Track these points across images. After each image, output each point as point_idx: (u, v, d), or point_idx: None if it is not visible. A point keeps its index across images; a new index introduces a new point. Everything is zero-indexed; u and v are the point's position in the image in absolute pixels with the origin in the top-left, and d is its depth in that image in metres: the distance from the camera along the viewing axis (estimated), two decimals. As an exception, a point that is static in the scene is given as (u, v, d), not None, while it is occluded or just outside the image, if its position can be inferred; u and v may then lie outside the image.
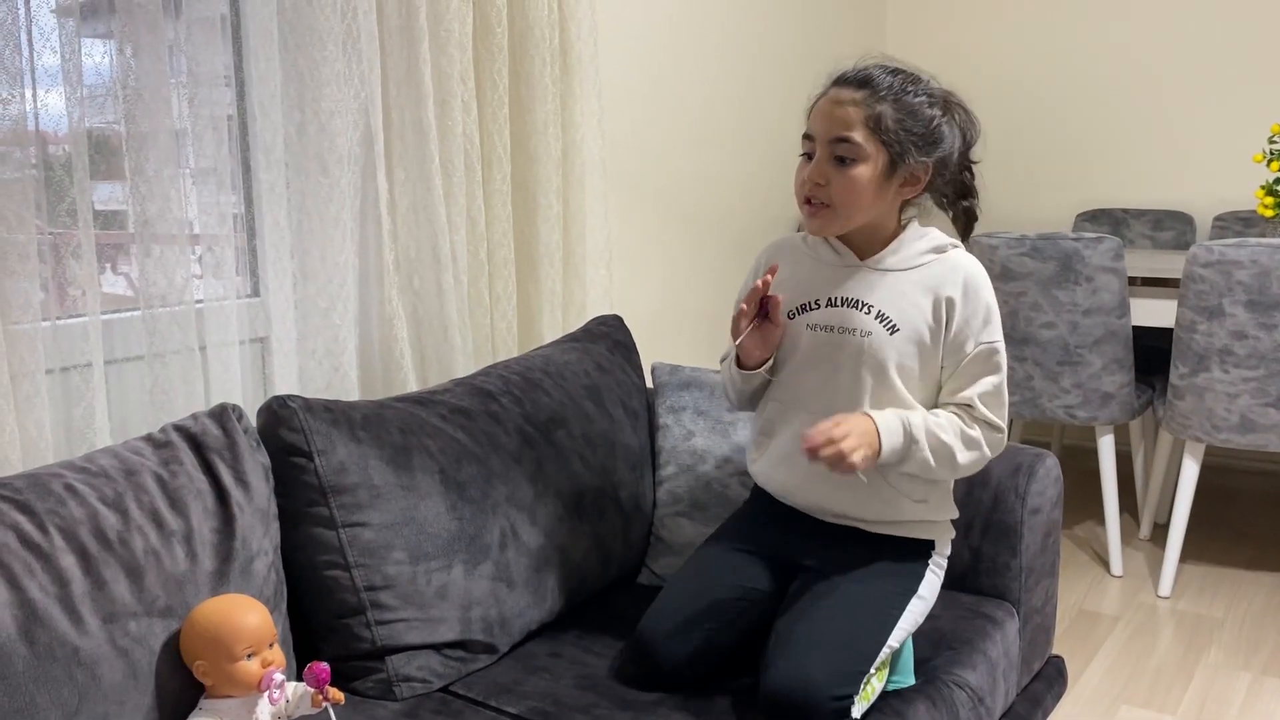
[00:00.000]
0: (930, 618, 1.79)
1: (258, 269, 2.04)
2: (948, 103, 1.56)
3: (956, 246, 1.62)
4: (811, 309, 1.60)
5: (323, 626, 1.57)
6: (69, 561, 1.24)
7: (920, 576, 1.59)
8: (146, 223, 1.79)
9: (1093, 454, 4.26)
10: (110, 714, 1.22)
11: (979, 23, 4.20)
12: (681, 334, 3.31)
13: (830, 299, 1.59)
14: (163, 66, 1.78)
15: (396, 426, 1.67)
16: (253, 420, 1.60)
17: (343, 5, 2.01)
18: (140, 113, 1.76)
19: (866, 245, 1.60)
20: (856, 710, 1.43)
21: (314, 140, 2.01)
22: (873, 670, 1.47)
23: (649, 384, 2.93)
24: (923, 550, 1.61)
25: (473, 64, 2.23)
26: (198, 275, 1.90)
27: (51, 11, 1.66)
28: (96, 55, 1.76)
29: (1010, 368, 3.03)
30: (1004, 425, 1.58)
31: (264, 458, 1.54)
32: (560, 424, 1.89)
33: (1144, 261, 3.30)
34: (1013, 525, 1.90)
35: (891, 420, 1.49)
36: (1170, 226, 3.85)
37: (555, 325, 2.48)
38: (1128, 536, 3.40)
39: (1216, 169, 3.84)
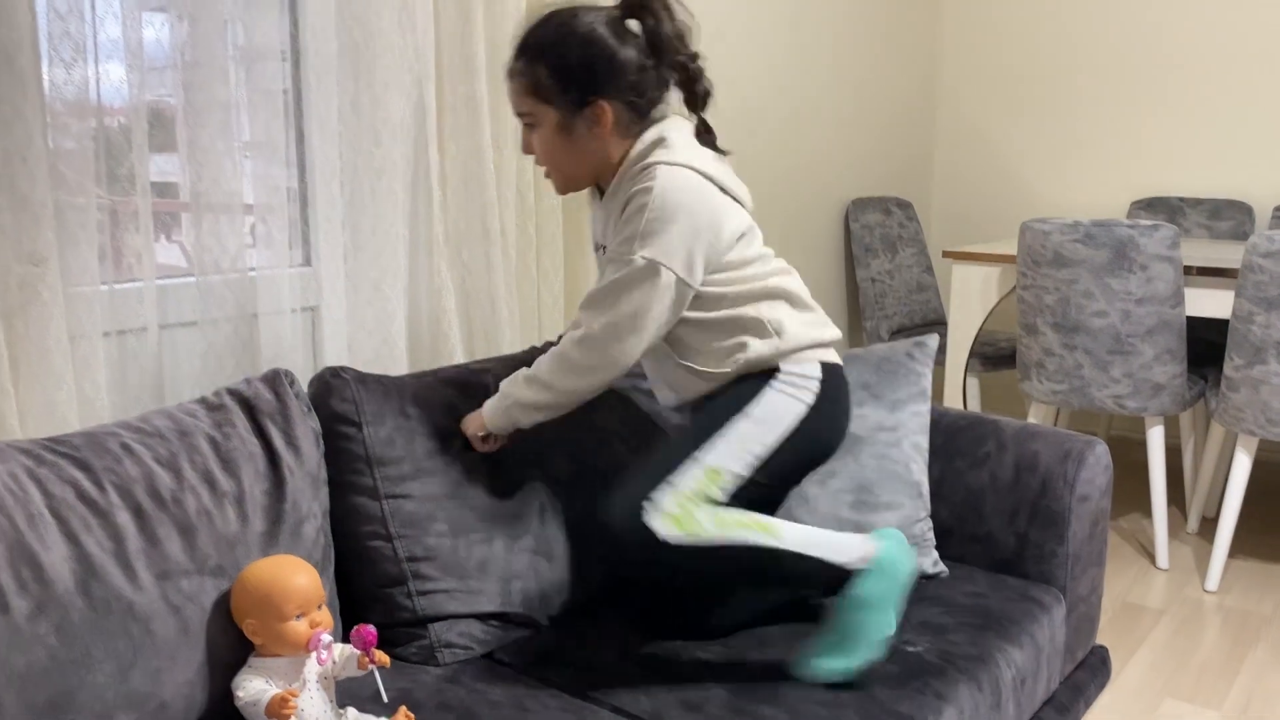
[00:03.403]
0: (976, 596, 1.78)
1: (310, 239, 2.06)
2: (614, 21, 1.52)
3: (661, 162, 1.50)
4: (597, 251, 1.69)
5: (366, 594, 1.59)
6: (124, 519, 1.27)
7: (752, 396, 1.52)
8: (201, 192, 1.81)
9: (1140, 445, 4.20)
10: (163, 669, 1.25)
11: (1034, 10, 4.13)
12: (726, 315, 3.30)
13: (595, 244, 1.69)
14: (220, 39, 1.80)
15: (442, 403, 1.68)
16: (304, 387, 1.62)
17: (397, -21, 2.02)
18: (197, 84, 1.78)
19: (605, 183, 1.61)
20: (660, 524, 1.40)
21: (368, 113, 2.02)
22: (687, 487, 1.43)
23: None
24: (763, 376, 1.55)
25: (525, 38, 2.23)
26: (250, 244, 1.92)
27: (114, -21, 1.68)
28: (155, 27, 1.77)
29: (1059, 355, 2.99)
30: (596, 326, 1.50)
31: (315, 423, 1.55)
32: (600, 404, 1.89)
33: (1200, 251, 3.24)
34: (1060, 512, 1.88)
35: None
36: (1228, 216, 3.78)
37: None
38: (1174, 529, 3.35)
39: (1277, 158, 3.76)
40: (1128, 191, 4.04)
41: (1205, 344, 3.40)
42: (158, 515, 1.30)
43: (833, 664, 1.47)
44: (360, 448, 1.58)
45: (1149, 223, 2.79)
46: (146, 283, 1.76)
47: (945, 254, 3.38)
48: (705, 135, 1.62)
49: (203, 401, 1.50)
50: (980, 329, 3.38)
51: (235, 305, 1.88)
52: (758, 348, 1.55)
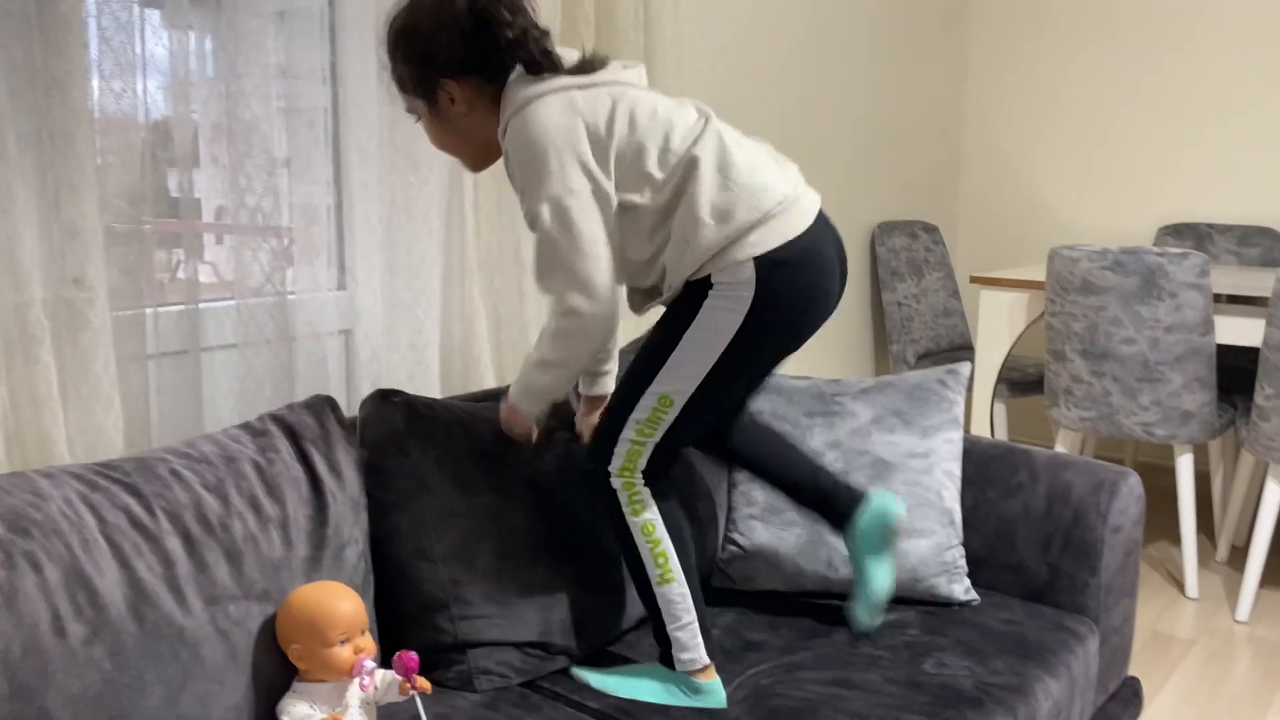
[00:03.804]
0: (1011, 623, 1.79)
1: (346, 262, 2.09)
2: (434, 5, 1.50)
3: (511, 117, 1.48)
4: None
5: (406, 617, 1.60)
6: (174, 544, 1.29)
7: (689, 316, 1.49)
8: (242, 217, 1.84)
9: (1166, 472, 4.18)
10: (211, 693, 1.27)
11: (1062, 35, 4.14)
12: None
13: None
14: (262, 63, 1.83)
15: (488, 427, 1.69)
16: (348, 412, 1.64)
17: (437, 7, 2.05)
18: (239, 109, 1.81)
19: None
20: (615, 473, 1.55)
21: (405, 137, 2.05)
22: (639, 418, 1.52)
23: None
24: (699, 292, 1.49)
25: (560, 66, 2.26)
26: (290, 267, 1.95)
27: (158, 6, 1.72)
28: (199, 52, 1.81)
29: (1087, 382, 2.99)
30: (558, 289, 1.48)
31: (356, 448, 1.57)
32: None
33: (1229, 278, 3.24)
34: (1093, 542, 1.88)
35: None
36: (1257, 242, 3.77)
37: (628, 330, 2.50)
38: (1204, 558, 3.33)
39: (1306, 185, 3.75)
40: (1155, 217, 4.03)
41: (1235, 371, 3.39)
42: (206, 540, 1.32)
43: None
44: (409, 470, 1.59)
45: (1178, 250, 2.79)
46: (189, 306, 1.79)
47: (973, 279, 3.38)
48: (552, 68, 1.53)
49: (247, 427, 1.52)
50: (1007, 355, 3.38)
51: (274, 328, 1.91)
52: (673, 262, 1.50)
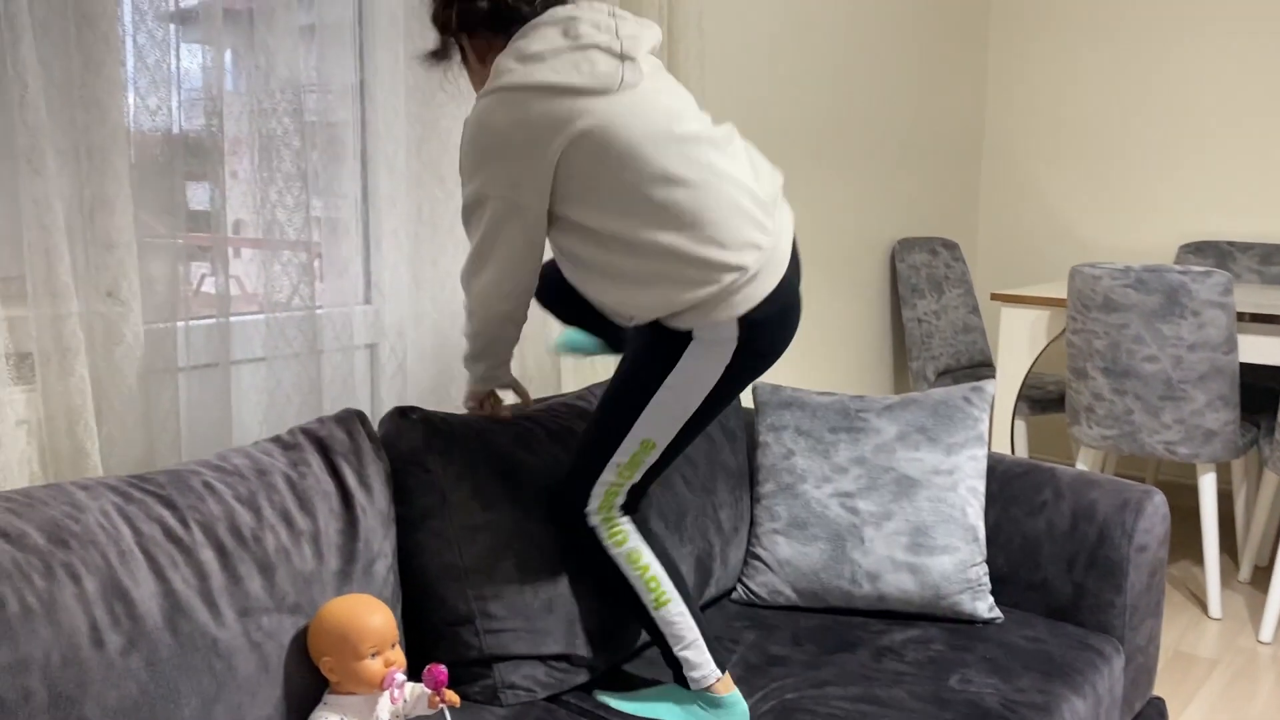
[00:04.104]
0: (1036, 641, 1.78)
1: (372, 276, 2.10)
2: None
3: (480, 96, 1.46)
4: None
5: (432, 632, 1.61)
6: (208, 556, 1.30)
7: (672, 363, 1.48)
8: (273, 230, 1.86)
9: (1188, 491, 4.16)
10: (244, 704, 1.28)
11: (1082, 52, 4.14)
12: (773, 354, 3.32)
13: None
14: (294, 76, 1.85)
15: (508, 441, 1.70)
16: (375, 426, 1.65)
17: (466, 25, 2.07)
18: (272, 121, 1.83)
19: None
20: (594, 512, 1.56)
21: (432, 152, 2.06)
22: (625, 458, 1.54)
23: (749, 403, 2.94)
24: (680, 339, 1.48)
25: (586, 84, 2.28)
26: (318, 281, 1.97)
27: (192, 24, 1.74)
28: (231, 65, 1.83)
29: (1109, 400, 2.98)
30: (465, 261, 1.53)
31: (385, 462, 1.59)
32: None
33: (1252, 297, 3.23)
34: (1118, 562, 1.88)
35: None
36: (1279, 261, 3.75)
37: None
38: (1226, 578, 3.31)
39: (1329, 203, 3.74)
40: (1176, 235, 4.02)
41: (1258, 391, 3.37)
42: (239, 553, 1.33)
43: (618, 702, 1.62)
44: (431, 485, 1.60)
45: (1201, 269, 2.79)
46: (219, 319, 1.81)
47: (994, 296, 3.38)
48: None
49: (278, 440, 1.54)
50: (1028, 372, 3.38)
51: (303, 342, 1.92)
52: (646, 306, 1.47)
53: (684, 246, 1.41)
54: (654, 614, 1.57)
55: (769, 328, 1.47)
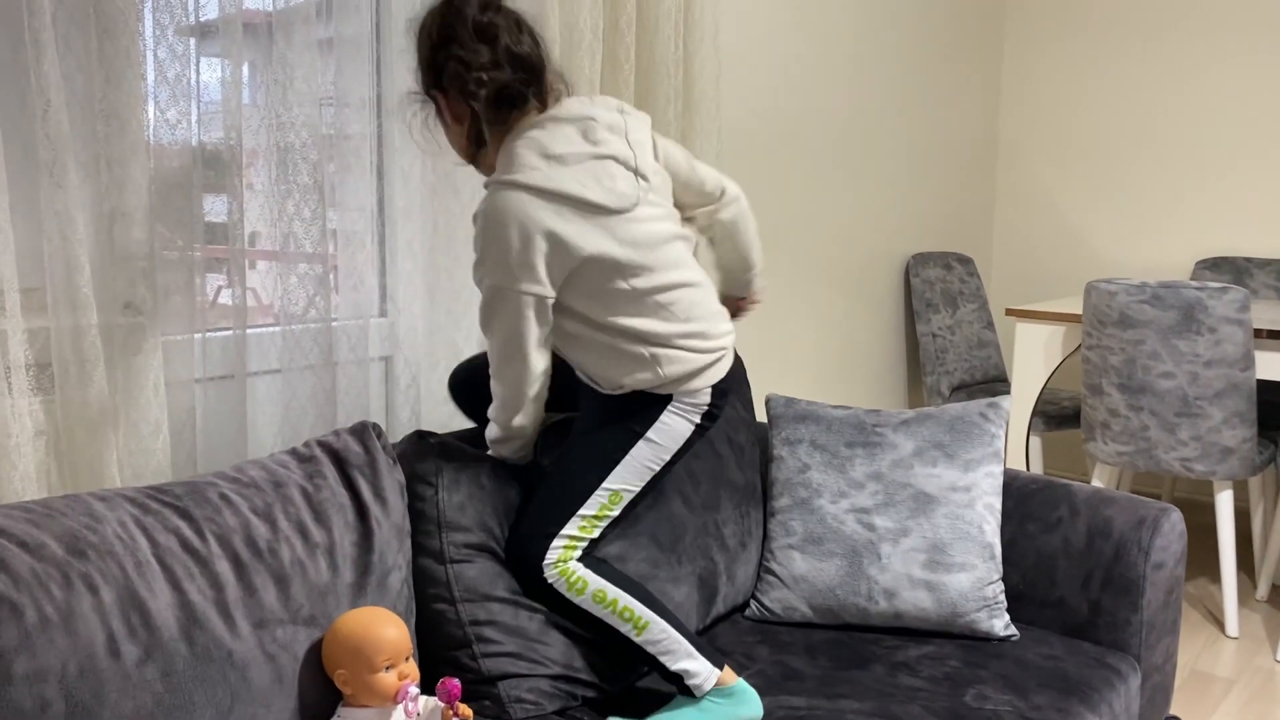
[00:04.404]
0: (1052, 659, 1.77)
1: (388, 289, 2.11)
2: (446, 24, 1.54)
3: (493, 182, 1.53)
4: None
5: (433, 656, 1.60)
6: (224, 567, 1.30)
7: (650, 420, 1.60)
8: (289, 242, 1.87)
9: (1204, 508, 4.13)
10: (258, 716, 1.28)
11: (1096, 67, 4.14)
12: (787, 366, 3.32)
13: None
14: (312, 90, 1.86)
15: (519, 478, 1.70)
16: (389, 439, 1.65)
17: (482, 40, 2.08)
18: (290, 134, 1.85)
19: None
20: (550, 569, 1.57)
21: (447, 165, 2.07)
22: (591, 510, 1.60)
23: (763, 416, 2.93)
24: (659, 402, 1.61)
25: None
26: (333, 293, 1.97)
27: (210, 37, 1.75)
28: (249, 78, 1.84)
29: (1125, 416, 2.97)
30: (492, 358, 1.59)
31: (400, 475, 1.59)
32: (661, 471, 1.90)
33: (1269, 313, 3.21)
34: (1135, 579, 1.86)
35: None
36: (1296, 277, 3.74)
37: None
38: (1244, 596, 3.29)
39: (1347, 220, 3.72)
40: (1192, 251, 4.01)
41: (1275, 407, 3.35)
42: (255, 565, 1.33)
43: None
44: (433, 510, 1.60)
45: (1218, 285, 2.78)
46: (235, 331, 1.82)
47: (1008, 312, 3.37)
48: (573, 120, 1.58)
49: (294, 452, 1.54)
50: (1043, 387, 3.36)
51: (318, 354, 1.93)
52: (644, 379, 1.59)
53: (675, 333, 1.58)
54: (638, 641, 1.58)
55: (734, 387, 1.75)
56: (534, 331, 1.55)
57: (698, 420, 1.64)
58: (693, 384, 1.60)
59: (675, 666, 1.57)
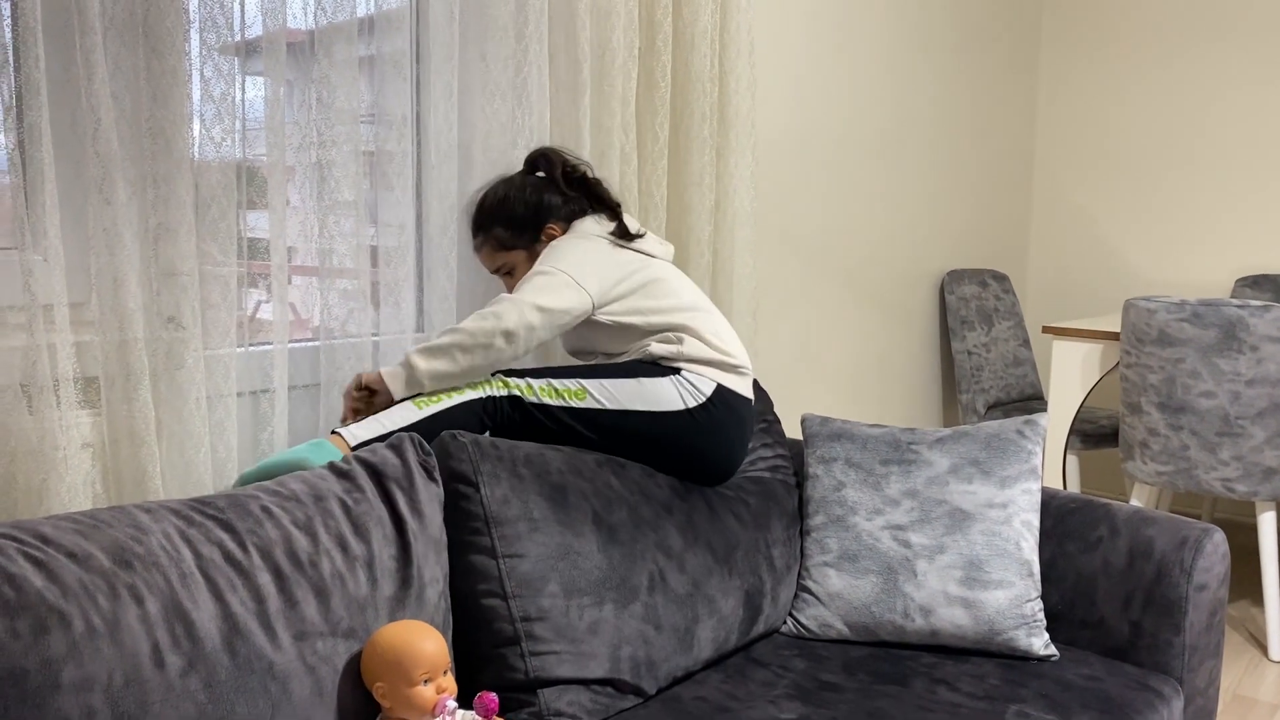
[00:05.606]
0: (1093, 680, 1.75)
1: (424, 304, 2.13)
2: (537, 177, 2.02)
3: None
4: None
5: (478, 655, 1.62)
6: (265, 579, 1.32)
7: (655, 375, 1.83)
8: (330, 259, 1.89)
9: (1245, 529, 4.07)
10: (298, 728, 1.28)
11: (1132, 83, 4.11)
12: (821, 384, 3.31)
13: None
14: (354, 107, 1.88)
15: (555, 467, 1.71)
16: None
17: (518, 62, 2.10)
18: (332, 151, 1.87)
19: None
20: (511, 380, 1.80)
21: (482, 181, 2.09)
22: (554, 381, 1.80)
23: (798, 435, 2.93)
24: (666, 369, 1.85)
25: (634, 117, 2.30)
26: (372, 309, 1.99)
27: (254, 56, 1.78)
28: (291, 96, 1.87)
29: (1164, 435, 2.93)
30: (530, 299, 1.79)
31: (438, 488, 1.60)
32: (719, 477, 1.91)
33: (1312, 331, 3.16)
34: (1177, 601, 1.84)
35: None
36: (1338, 295, 3.68)
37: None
38: (1286, 619, 3.22)
39: (1391, 237, 3.66)
40: (1231, 268, 3.96)
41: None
42: (295, 577, 1.34)
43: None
44: (478, 507, 1.61)
45: (1260, 303, 2.74)
46: (278, 345, 1.84)
47: (1045, 329, 3.35)
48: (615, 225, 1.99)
49: (332, 467, 1.55)
50: (1080, 406, 3.33)
51: (356, 368, 1.95)
52: (662, 349, 1.87)
53: (704, 331, 1.90)
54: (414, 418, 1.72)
55: (729, 418, 1.87)
56: (564, 320, 1.82)
57: (690, 404, 1.82)
58: (703, 369, 1.85)
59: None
